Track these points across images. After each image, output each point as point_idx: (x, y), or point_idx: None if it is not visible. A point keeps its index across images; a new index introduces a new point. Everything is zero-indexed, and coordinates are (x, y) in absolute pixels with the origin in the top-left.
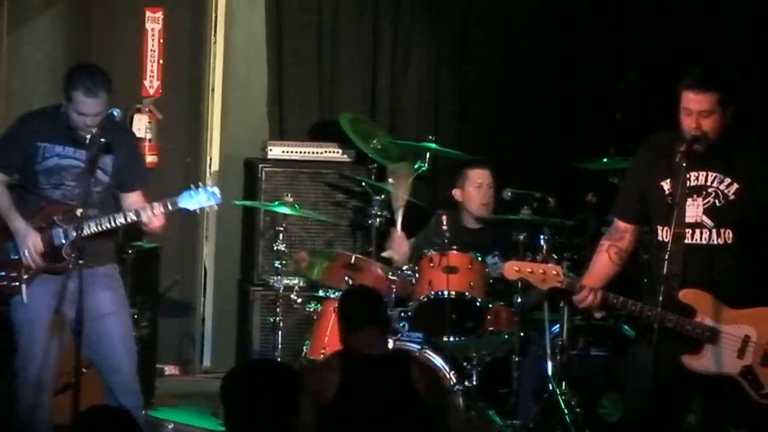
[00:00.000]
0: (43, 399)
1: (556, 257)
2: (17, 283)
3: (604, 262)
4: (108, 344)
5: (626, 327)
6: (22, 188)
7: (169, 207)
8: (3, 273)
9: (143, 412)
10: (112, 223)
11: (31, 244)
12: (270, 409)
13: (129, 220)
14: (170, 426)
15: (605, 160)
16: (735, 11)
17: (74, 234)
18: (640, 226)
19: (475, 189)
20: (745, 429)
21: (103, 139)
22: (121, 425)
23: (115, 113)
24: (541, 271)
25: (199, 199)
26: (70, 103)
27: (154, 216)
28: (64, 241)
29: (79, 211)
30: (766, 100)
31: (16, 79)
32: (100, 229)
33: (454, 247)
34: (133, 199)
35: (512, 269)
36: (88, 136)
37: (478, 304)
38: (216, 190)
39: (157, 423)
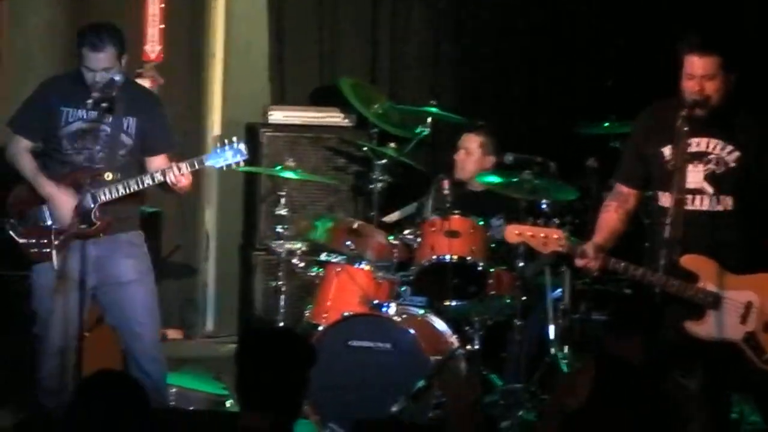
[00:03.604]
0: (50, 364)
1: (557, 221)
2: (48, 249)
3: (613, 220)
4: (130, 312)
5: (628, 291)
6: (46, 155)
7: (196, 165)
8: (34, 240)
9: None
10: (139, 185)
11: (64, 205)
12: (283, 378)
13: (156, 180)
14: (173, 390)
15: (607, 124)
16: None
17: (103, 197)
18: (642, 191)
19: (460, 152)
20: (747, 394)
21: (105, 104)
22: (125, 390)
23: (116, 78)
24: (542, 235)
25: (226, 156)
26: (81, 60)
27: (181, 175)
28: (92, 205)
29: (107, 175)
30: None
31: (17, 45)
32: (127, 191)
33: (456, 212)
34: (158, 163)
35: (513, 233)
36: (89, 100)
37: (479, 268)
38: (243, 146)
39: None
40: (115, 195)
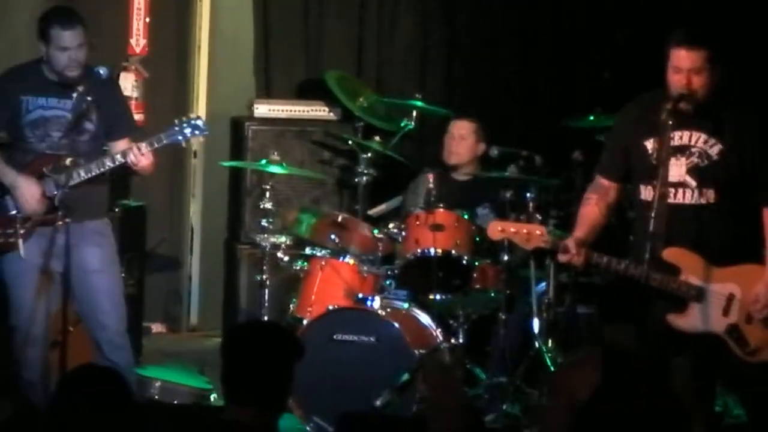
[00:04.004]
0: (31, 354)
1: (540, 217)
2: (13, 239)
3: (593, 214)
4: (95, 301)
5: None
6: (9, 145)
7: (155, 144)
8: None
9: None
10: (101, 168)
11: (27, 193)
12: (269, 372)
13: (117, 162)
14: (157, 384)
15: (592, 118)
16: None
17: (65, 182)
18: (623, 184)
19: (448, 138)
20: (731, 386)
21: (89, 97)
22: (108, 383)
23: (101, 71)
24: (525, 231)
25: (185, 132)
26: (49, 44)
27: (141, 155)
28: (56, 192)
29: (68, 160)
30: (756, 60)
31: (3, 42)
32: (89, 175)
33: (441, 205)
34: (121, 146)
35: (496, 230)
36: (75, 94)
37: (464, 261)
38: (200, 121)
39: (144, 381)
40: (77, 180)
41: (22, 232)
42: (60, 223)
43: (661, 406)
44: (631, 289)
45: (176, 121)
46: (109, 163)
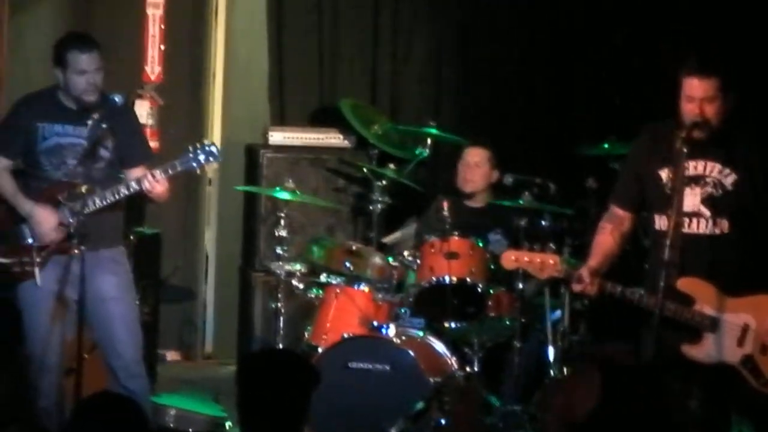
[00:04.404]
0: (47, 382)
1: (553, 246)
2: (30, 268)
3: (607, 243)
4: (110, 329)
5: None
6: (25, 173)
7: (170, 171)
8: (16, 258)
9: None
10: (116, 196)
11: (44, 222)
12: (285, 400)
13: (132, 190)
14: (172, 412)
15: (606, 145)
16: None
17: (80, 210)
18: (637, 214)
19: (462, 165)
20: (746, 416)
21: (105, 124)
22: (123, 411)
23: (116, 99)
24: (538, 260)
25: (199, 158)
26: (66, 69)
27: (156, 182)
28: (71, 220)
29: (84, 188)
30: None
31: (17, 66)
32: (104, 203)
33: (455, 233)
34: (137, 174)
35: (510, 259)
36: (90, 122)
37: (479, 289)
38: (214, 147)
39: (158, 409)
40: (92, 207)
41: (38, 260)
42: (75, 251)
43: (656, 423)
44: (624, 309)
45: (190, 148)
46: (124, 191)
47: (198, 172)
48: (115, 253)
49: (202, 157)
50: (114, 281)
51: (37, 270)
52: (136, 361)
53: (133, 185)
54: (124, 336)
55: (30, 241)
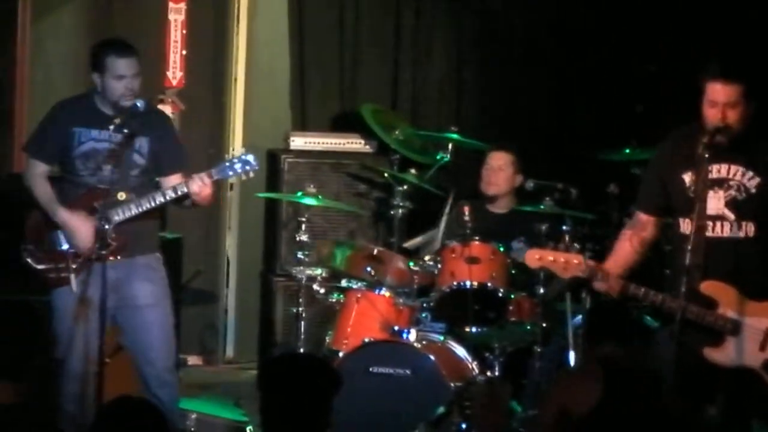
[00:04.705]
0: (74, 387)
1: (578, 246)
2: (66, 274)
3: (625, 249)
4: (144, 336)
5: (648, 318)
6: (61, 179)
7: (213, 176)
8: (52, 264)
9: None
10: (152, 203)
11: (79, 231)
12: (308, 404)
13: (168, 197)
14: (193, 416)
15: (627, 151)
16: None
17: (116, 218)
18: (662, 218)
19: (485, 170)
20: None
21: (126, 129)
22: (145, 417)
23: (138, 104)
24: (562, 259)
25: (235, 168)
26: (104, 74)
27: (203, 185)
28: (106, 227)
29: (119, 195)
30: None
31: (39, 71)
32: (139, 210)
33: (476, 238)
34: (173, 181)
35: (534, 257)
36: (111, 126)
37: (500, 294)
38: (251, 157)
39: (180, 413)
40: (128, 215)
41: (74, 267)
42: (111, 258)
43: (656, 420)
44: (619, 309)
45: (228, 157)
46: (160, 198)
47: (240, 178)
48: (151, 260)
49: (239, 166)
50: (149, 288)
51: (72, 276)
52: (167, 370)
53: (170, 193)
54: (157, 343)
55: (65, 247)
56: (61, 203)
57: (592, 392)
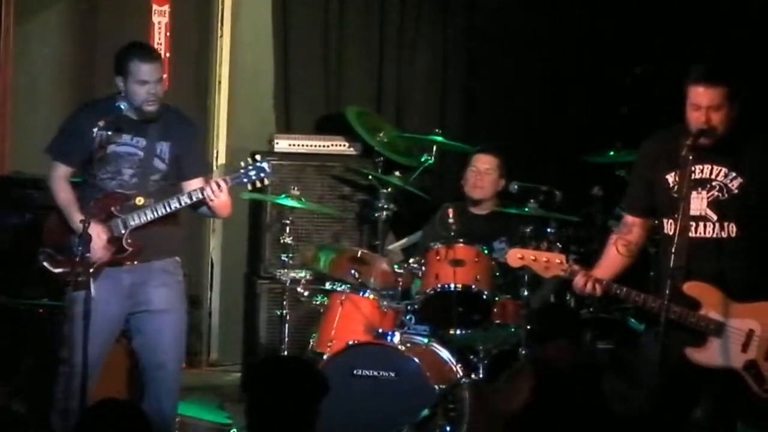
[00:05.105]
0: (76, 386)
1: (560, 246)
2: (84, 278)
3: (611, 254)
4: (156, 340)
5: (633, 320)
6: (80, 184)
7: (229, 181)
8: (70, 269)
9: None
10: (167, 208)
11: (96, 240)
12: (294, 408)
13: (183, 203)
14: (177, 419)
15: (612, 153)
16: (739, 6)
17: (132, 223)
18: (648, 220)
19: (471, 172)
20: (748, 423)
21: (164, 136)
22: (127, 420)
23: (121, 106)
24: (544, 258)
25: (249, 175)
26: (127, 78)
27: (220, 189)
28: (123, 231)
29: (137, 199)
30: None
31: (22, 74)
32: (156, 215)
33: (461, 240)
34: (195, 185)
35: (515, 257)
36: (149, 132)
37: (484, 296)
38: (265, 164)
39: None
40: (144, 220)
41: (91, 271)
42: (127, 263)
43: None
44: (564, 310)
45: (242, 163)
46: (175, 204)
47: (249, 187)
48: (168, 264)
49: (253, 173)
50: (165, 293)
51: (91, 281)
52: (174, 377)
53: (185, 198)
54: (169, 348)
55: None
56: (81, 207)
57: (521, 393)
